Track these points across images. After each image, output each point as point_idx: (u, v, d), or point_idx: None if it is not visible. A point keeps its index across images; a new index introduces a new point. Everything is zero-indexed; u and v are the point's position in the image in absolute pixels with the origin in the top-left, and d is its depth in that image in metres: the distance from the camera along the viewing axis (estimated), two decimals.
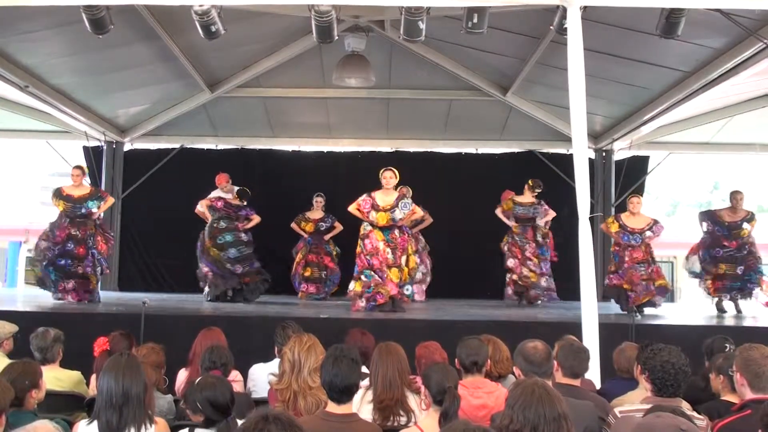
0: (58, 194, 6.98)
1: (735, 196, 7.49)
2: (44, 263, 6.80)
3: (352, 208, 6.60)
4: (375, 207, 6.51)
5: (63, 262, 6.80)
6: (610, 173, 9.59)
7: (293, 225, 8.25)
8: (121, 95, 8.52)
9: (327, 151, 10.09)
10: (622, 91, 7.77)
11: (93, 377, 3.54)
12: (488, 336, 3.45)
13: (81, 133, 9.05)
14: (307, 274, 8.22)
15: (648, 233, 7.05)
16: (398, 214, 6.51)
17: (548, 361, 2.88)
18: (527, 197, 7.85)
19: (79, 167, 7.31)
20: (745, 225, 7.36)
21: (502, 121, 9.53)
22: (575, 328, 4.35)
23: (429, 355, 3.28)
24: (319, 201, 8.29)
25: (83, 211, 6.92)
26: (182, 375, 3.67)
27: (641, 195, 9.67)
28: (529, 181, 7.85)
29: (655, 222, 7.11)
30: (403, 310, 6.44)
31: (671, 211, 26.01)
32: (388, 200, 6.55)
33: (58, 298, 6.82)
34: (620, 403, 2.91)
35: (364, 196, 6.56)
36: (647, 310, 6.92)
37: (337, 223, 8.10)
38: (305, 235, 8.28)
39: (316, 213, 8.30)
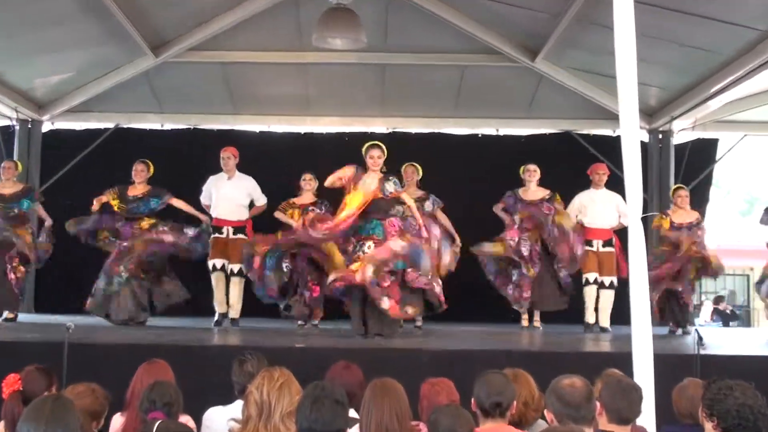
0: None
1: None
2: None
3: (330, 180, 6.79)
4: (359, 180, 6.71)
5: None
6: (668, 161, 9.61)
7: (277, 214, 7.88)
8: (39, 60, 8.49)
9: (305, 132, 10.08)
10: (684, 56, 7.78)
11: (1, 425, 3.53)
12: (514, 370, 3.46)
13: None
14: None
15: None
16: (390, 186, 6.69)
17: (589, 402, 2.88)
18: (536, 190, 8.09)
19: (12, 161, 8.16)
20: None
21: (529, 93, 9.55)
22: (623, 359, 4.35)
23: (434, 396, 3.28)
24: (308, 181, 7.93)
25: (16, 211, 7.68)
26: (117, 421, 3.66)
27: (709, 187, 9.82)
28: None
29: (701, 219, 8.04)
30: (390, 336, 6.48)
31: (747, 210, 26.07)
32: (375, 177, 6.73)
33: None
34: None
35: (346, 166, 6.76)
36: (717, 339, 6.97)
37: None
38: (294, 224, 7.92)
39: (306, 197, 7.92)
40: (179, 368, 3.86)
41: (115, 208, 7.73)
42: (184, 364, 4.43)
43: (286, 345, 6.04)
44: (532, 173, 8.03)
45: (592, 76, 8.90)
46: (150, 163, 7.88)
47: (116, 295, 7.53)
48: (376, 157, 6.71)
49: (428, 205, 7.84)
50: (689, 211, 8.06)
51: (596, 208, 8.10)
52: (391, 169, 6.96)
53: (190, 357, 5.27)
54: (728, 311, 14.02)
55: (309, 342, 6.22)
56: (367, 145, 6.84)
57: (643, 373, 4.23)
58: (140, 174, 7.81)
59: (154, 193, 7.79)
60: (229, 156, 8.01)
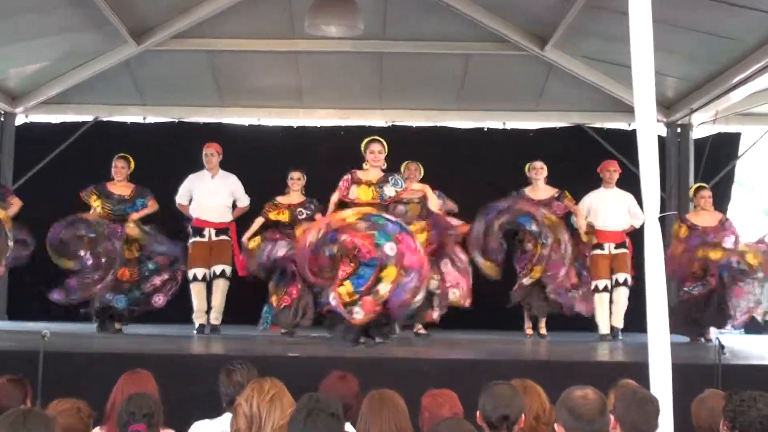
0: None
1: None
2: None
3: (333, 198, 6.74)
4: (356, 181, 6.66)
5: None
6: (687, 156, 9.62)
7: (259, 220, 7.84)
8: (12, 49, 8.48)
9: (297, 125, 10.08)
10: (704, 44, 7.79)
11: None
12: (522, 381, 3.46)
13: None
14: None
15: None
16: (388, 190, 6.62)
17: (602, 415, 2.89)
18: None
19: None
20: None
21: (538, 84, 9.55)
22: (639, 369, 4.36)
23: (437, 408, 3.28)
24: (296, 179, 7.88)
25: None
26: None
27: (731, 184, 9.80)
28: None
29: (726, 219, 8.03)
30: (386, 337, 6.42)
31: None
32: (375, 175, 6.69)
33: None
34: None
35: (343, 177, 6.71)
36: (739, 347, 6.96)
37: (318, 215, 7.78)
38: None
39: (293, 196, 7.86)
40: (163, 379, 3.86)
41: (98, 209, 7.73)
42: (168, 375, 4.43)
43: (277, 354, 6.04)
44: (538, 171, 8.00)
45: (606, 65, 8.90)
46: (130, 158, 7.88)
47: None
48: (377, 152, 6.69)
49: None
50: (713, 212, 8.04)
51: (606, 208, 8.03)
52: (390, 165, 6.94)
53: (175, 366, 5.27)
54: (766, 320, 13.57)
55: (302, 351, 6.22)
56: (367, 139, 6.84)
57: (661, 384, 4.23)
58: (121, 171, 7.81)
59: (139, 194, 7.83)
60: (212, 153, 7.99)
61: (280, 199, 7.86)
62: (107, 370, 4.27)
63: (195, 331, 7.81)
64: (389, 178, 6.70)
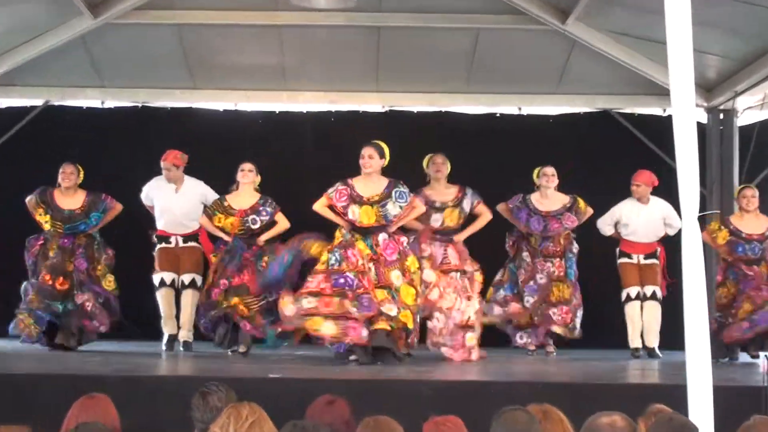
0: None
1: None
2: None
3: (319, 206, 6.78)
4: (355, 199, 6.59)
5: None
6: (731, 146, 9.63)
7: (202, 220, 7.72)
8: None
9: (280, 111, 10.08)
10: (750, 16, 7.78)
11: None
12: (542, 406, 3.46)
13: None
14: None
15: None
16: (392, 208, 6.61)
17: None
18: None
19: None
20: None
21: (559, 63, 9.55)
22: (675, 392, 4.37)
23: None
24: (246, 172, 7.62)
25: None
26: None
27: None
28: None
29: None
30: (399, 359, 6.46)
31: None
32: (375, 188, 6.63)
33: None
34: None
35: (338, 185, 6.68)
36: None
37: (279, 215, 7.65)
38: (227, 238, 7.55)
39: (243, 197, 7.61)
40: (125, 404, 3.85)
41: (47, 226, 7.79)
42: (131, 399, 4.43)
43: (257, 375, 6.04)
44: (550, 179, 8.04)
45: (637, 41, 8.89)
46: (80, 168, 7.94)
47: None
48: (366, 157, 6.70)
49: (467, 204, 7.78)
50: (759, 216, 7.88)
51: (641, 221, 8.17)
52: (389, 159, 6.93)
53: (139, 390, 5.28)
54: None
55: (285, 371, 6.22)
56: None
57: (700, 410, 4.24)
58: (69, 177, 7.84)
59: (92, 205, 7.87)
60: (168, 168, 7.95)
61: (230, 200, 7.64)
62: (59, 395, 4.27)
63: (164, 345, 7.82)
64: (393, 192, 6.70)
